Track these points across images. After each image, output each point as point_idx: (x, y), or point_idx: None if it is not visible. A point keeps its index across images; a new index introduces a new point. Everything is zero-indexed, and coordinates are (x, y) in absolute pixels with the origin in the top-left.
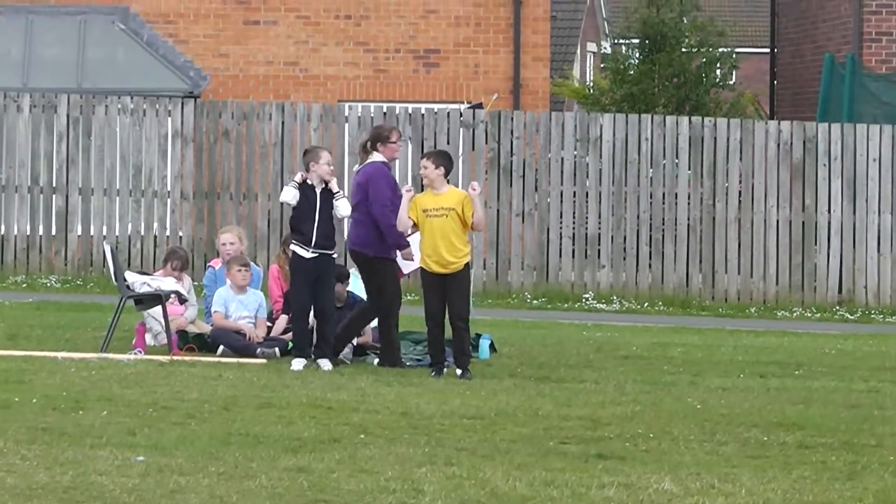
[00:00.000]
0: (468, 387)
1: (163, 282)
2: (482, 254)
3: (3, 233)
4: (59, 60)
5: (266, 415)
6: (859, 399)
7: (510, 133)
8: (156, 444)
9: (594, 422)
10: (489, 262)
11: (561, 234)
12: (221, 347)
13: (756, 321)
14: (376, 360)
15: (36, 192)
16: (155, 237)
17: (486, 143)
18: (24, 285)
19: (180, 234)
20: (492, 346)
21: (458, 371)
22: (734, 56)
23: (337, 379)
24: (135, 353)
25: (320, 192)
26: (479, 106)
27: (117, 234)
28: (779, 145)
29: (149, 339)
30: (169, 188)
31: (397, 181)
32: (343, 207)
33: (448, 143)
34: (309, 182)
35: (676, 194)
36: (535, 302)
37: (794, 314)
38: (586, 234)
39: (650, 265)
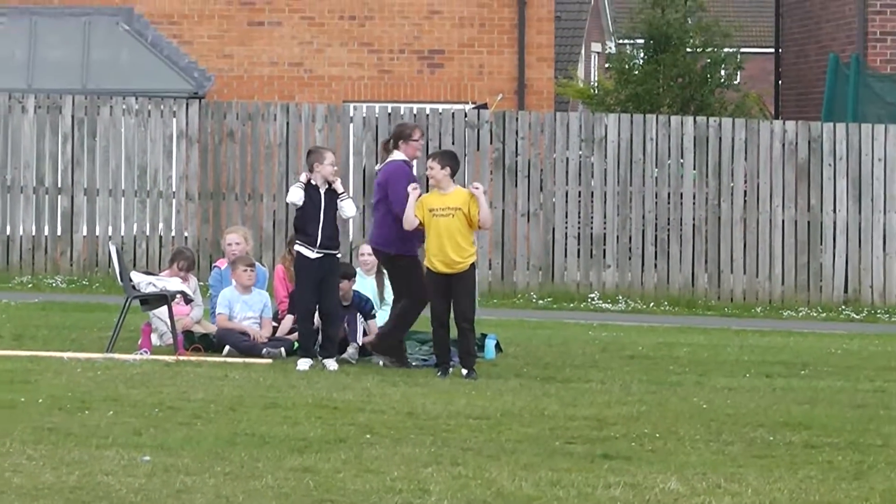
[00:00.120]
0: (474, 387)
1: (168, 282)
2: (487, 254)
3: (8, 233)
4: (63, 62)
5: (272, 415)
6: (865, 399)
7: (515, 133)
8: (162, 444)
9: (600, 422)
10: (494, 262)
11: (566, 234)
12: (227, 347)
13: (762, 321)
14: (381, 361)
15: (41, 193)
16: (160, 238)
17: (491, 143)
18: (30, 286)
19: (185, 234)
20: (497, 346)
21: (464, 371)
22: (739, 57)
23: (343, 379)
24: (140, 354)
25: (325, 193)
26: (484, 106)
27: (123, 234)
28: (784, 145)
29: (154, 339)
30: (174, 189)
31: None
32: (348, 208)
33: (453, 144)
34: (313, 182)
35: (682, 194)
36: (540, 302)
37: (800, 314)
38: (591, 234)
39: (656, 265)
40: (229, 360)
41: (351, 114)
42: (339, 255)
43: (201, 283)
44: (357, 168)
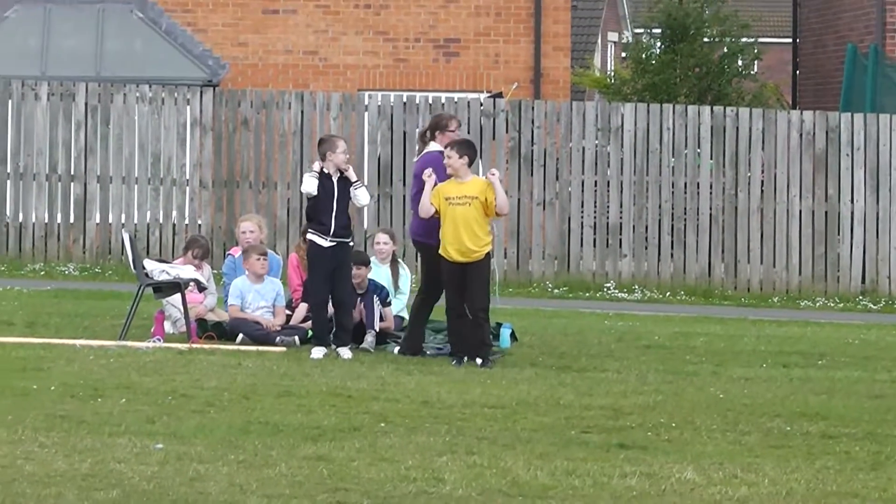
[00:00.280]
0: (489, 376)
1: (182, 269)
2: (503, 243)
3: (21, 221)
4: (77, 50)
5: (286, 403)
6: (883, 389)
7: (531, 122)
8: (175, 432)
9: (616, 411)
10: (510, 252)
11: (582, 223)
12: (240, 336)
13: (779, 311)
14: (396, 349)
15: (54, 181)
16: (174, 225)
17: (507, 132)
18: (43, 273)
19: (199, 222)
20: (513, 336)
21: (479, 360)
22: (756, 47)
23: (357, 367)
24: (153, 341)
25: (337, 181)
26: (499, 95)
27: (136, 222)
28: (801, 135)
29: (168, 326)
30: (188, 177)
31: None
32: (362, 196)
33: (468, 133)
34: (326, 171)
35: (698, 184)
36: (556, 291)
37: (817, 304)
38: (608, 224)
39: (672, 255)
40: (243, 348)
41: (366, 102)
42: (352, 244)
43: (215, 272)
44: (372, 157)
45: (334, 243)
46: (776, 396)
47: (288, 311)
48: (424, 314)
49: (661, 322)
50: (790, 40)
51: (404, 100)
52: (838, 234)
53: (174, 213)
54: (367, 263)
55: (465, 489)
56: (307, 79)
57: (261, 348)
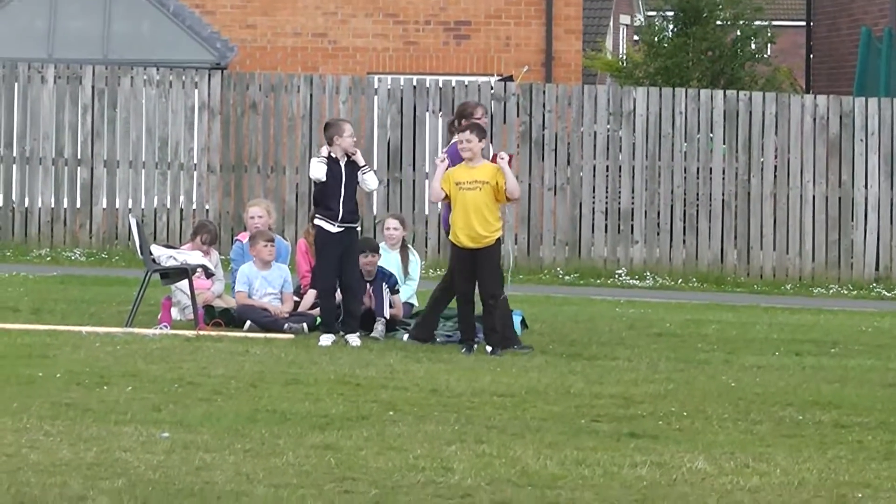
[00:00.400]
0: (498, 364)
1: (189, 255)
2: (514, 228)
3: (27, 206)
4: (84, 32)
5: (293, 391)
6: None
7: (542, 106)
8: (181, 420)
9: (626, 400)
10: (521, 237)
11: (593, 208)
12: (248, 322)
13: (791, 298)
14: (406, 336)
15: (60, 165)
16: (181, 210)
17: (518, 116)
18: (49, 259)
19: (207, 207)
20: (523, 323)
21: (489, 348)
22: (770, 30)
23: (365, 355)
24: (160, 328)
25: (345, 166)
26: (510, 78)
27: (143, 207)
28: (815, 120)
29: (175, 313)
30: (195, 161)
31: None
32: (371, 181)
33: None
34: (333, 156)
35: (711, 169)
36: (567, 278)
37: (831, 291)
38: (619, 209)
39: (684, 241)
40: (250, 335)
41: (375, 86)
42: (358, 229)
43: (223, 257)
44: (381, 141)
45: (342, 229)
46: (788, 385)
47: (296, 298)
48: (443, 303)
49: (673, 309)
50: (804, 23)
51: (414, 83)
52: (852, 220)
53: (182, 198)
54: (376, 250)
55: (474, 479)
56: (316, 62)
57: (269, 335)
